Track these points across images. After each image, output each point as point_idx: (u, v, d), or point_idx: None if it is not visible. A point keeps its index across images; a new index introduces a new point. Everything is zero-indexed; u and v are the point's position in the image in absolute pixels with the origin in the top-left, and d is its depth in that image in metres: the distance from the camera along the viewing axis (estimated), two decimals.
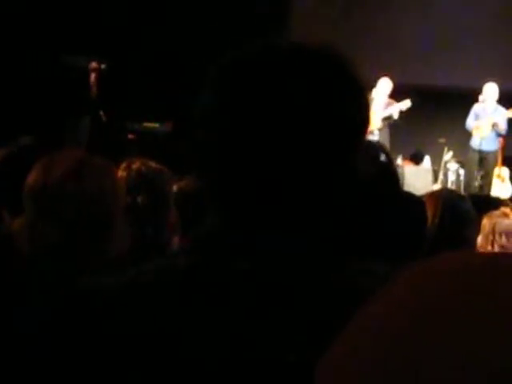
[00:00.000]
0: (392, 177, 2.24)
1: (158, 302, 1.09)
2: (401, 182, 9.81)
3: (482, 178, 10.83)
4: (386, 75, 10.56)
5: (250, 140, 1.08)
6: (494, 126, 10.63)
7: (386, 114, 10.46)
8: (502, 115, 10.63)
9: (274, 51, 1.12)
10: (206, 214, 1.16)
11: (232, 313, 1.07)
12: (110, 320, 1.10)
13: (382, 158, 2.16)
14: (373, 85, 10.44)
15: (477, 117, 10.76)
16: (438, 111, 12.10)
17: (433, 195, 3.38)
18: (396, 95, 10.57)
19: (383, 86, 10.59)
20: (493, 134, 10.72)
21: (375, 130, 10.36)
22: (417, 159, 11.34)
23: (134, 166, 2.86)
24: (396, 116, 10.49)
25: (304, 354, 1.03)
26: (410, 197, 2.42)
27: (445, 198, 3.24)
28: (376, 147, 2.24)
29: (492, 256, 0.64)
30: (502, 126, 10.63)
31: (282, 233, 1.10)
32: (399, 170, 10.26)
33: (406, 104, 10.43)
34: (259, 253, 1.09)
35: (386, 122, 10.50)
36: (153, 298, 1.09)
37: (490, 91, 10.68)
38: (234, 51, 1.15)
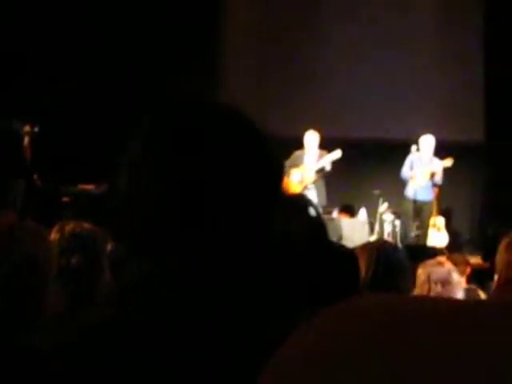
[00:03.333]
0: (320, 230, 2.28)
1: (83, 355, 1.11)
2: (338, 234, 9.90)
3: (417, 228, 10.93)
4: (315, 129, 10.60)
5: (168, 193, 1.16)
6: (433, 175, 10.77)
7: (319, 166, 10.46)
8: (438, 165, 10.76)
9: (192, 114, 1.23)
10: (129, 265, 1.21)
11: (157, 363, 1.10)
12: (43, 376, 1.12)
13: (311, 212, 2.20)
14: (302, 139, 10.51)
15: (412, 167, 10.88)
16: (372, 163, 12.21)
17: (366, 246, 3.43)
18: (329, 148, 10.60)
19: (311, 139, 10.59)
20: (429, 184, 10.86)
21: (309, 184, 10.40)
22: (350, 211, 11.40)
23: (68, 228, 2.89)
24: (329, 167, 10.48)
25: None
26: (340, 249, 2.46)
27: (378, 249, 3.29)
28: (303, 201, 2.28)
29: (404, 299, 0.66)
30: (439, 176, 10.78)
31: (196, 285, 1.15)
32: (336, 223, 10.27)
33: (337, 154, 10.39)
34: (175, 304, 1.13)
35: (320, 175, 10.51)
36: (79, 350, 1.12)
37: (426, 143, 10.84)
38: (156, 110, 1.26)
